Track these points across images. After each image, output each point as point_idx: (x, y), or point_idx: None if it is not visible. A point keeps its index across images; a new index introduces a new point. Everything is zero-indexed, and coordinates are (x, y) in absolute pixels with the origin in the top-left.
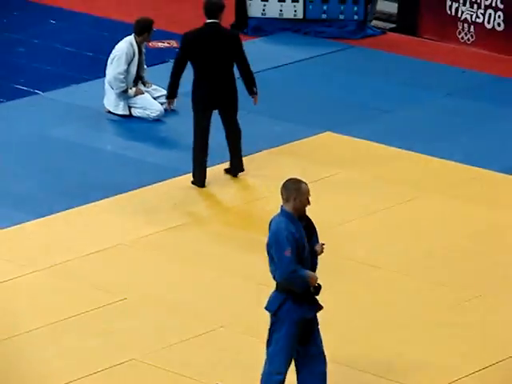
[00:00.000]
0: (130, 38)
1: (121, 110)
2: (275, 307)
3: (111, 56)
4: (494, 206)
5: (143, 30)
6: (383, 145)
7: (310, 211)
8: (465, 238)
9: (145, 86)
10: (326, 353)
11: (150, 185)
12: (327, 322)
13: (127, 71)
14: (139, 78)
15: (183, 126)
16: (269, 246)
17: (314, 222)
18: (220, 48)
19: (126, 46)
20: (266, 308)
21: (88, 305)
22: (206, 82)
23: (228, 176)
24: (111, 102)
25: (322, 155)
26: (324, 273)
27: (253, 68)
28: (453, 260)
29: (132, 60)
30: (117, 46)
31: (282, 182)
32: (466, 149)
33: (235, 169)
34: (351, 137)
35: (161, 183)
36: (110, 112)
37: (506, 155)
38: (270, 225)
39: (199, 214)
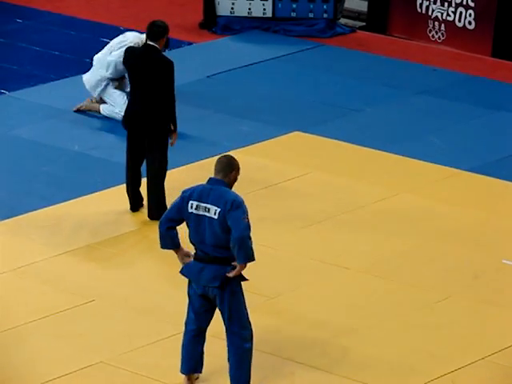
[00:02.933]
0: (143, 37)
1: (96, 93)
2: (221, 280)
3: (117, 40)
4: (464, 205)
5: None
6: (353, 144)
7: (280, 210)
8: (435, 238)
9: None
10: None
11: (117, 185)
12: (296, 324)
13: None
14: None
15: None
16: (225, 213)
17: (286, 223)
18: (150, 72)
19: (136, 40)
20: (212, 285)
21: (55, 307)
22: (132, 101)
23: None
24: (91, 82)
25: (290, 155)
26: (293, 274)
27: (222, 67)
28: (423, 261)
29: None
30: (128, 34)
31: (249, 184)
32: (437, 148)
33: (149, 212)
34: (320, 136)
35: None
36: (79, 110)
37: (478, 154)
38: (210, 194)
39: None
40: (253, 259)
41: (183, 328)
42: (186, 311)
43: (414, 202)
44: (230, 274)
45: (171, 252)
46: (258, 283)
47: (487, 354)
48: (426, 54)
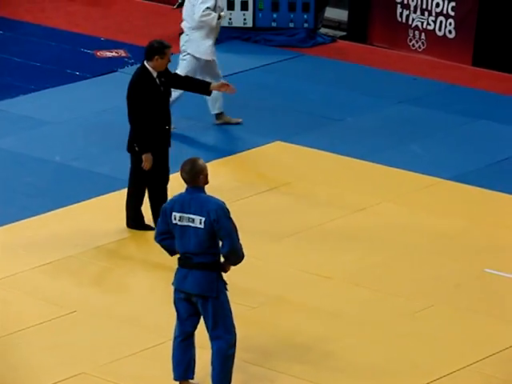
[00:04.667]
0: None
1: (210, 55)
2: (216, 291)
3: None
4: (446, 214)
5: None
6: (334, 154)
7: (261, 220)
8: (416, 247)
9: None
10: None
11: (97, 196)
12: (278, 334)
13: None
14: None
15: None
16: (211, 223)
17: (267, 232)
18: (127, 94)
19: None
20: (202, 293)
21: (37, 318)
22: None
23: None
24: (203, 49)
25: (272, 165)
26: (275, 283)
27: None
28: (405, 270)
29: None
30: None
31: (230, 194)
32: (417, 157)
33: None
34: (302, 146)
35: (108, 195)
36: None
37: (459, 163)
38: (191, 204)
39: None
40: (243, 258)
41: (167, 337)
42: (168, 321)
43: (395, 211)
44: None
45: (152, 261)
46: (240, 293)
47: (470, 363)
48: (407, 63)
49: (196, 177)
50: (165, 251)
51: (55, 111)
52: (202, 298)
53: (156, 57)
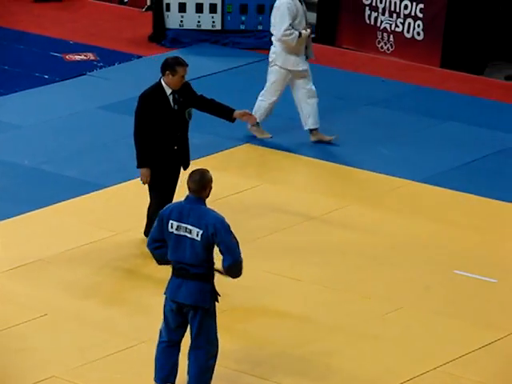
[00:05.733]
0: None
1: (301, 66)
2: (209, 303)
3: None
4: (414, 216)
5: None
6: (304, 156)
7: (232, 224)
8: (385, 249)
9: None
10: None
11: (67, 200)
12: (249, 337)
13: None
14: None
15: (104, 137)
16: (209, 237)
17: (237, 235)
18: None
19: (286, 3)
20: (195, 304)
21: (8, 321)
22: None
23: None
24: (291, 61)
25: (241, 167)
26: (245, 286)
27: None
28: (374, 272)
29: (296, 16)
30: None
31: None
32: (387, 159)
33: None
34: (271, 148)
35: (78, 198)
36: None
37: (427, 165)
38: (190, 215)
39: (119, 228)
40: (241, 275)
41: (138, 340)
42: (139, 324)
43: (363, 214)
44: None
45: (123, 264)
46: None
47: (439, 364)
48: (375, 65)
49: (203, 188)
50: (154, 259)
51: (24, 115)
52: (193, 309)
53: (167, 72)
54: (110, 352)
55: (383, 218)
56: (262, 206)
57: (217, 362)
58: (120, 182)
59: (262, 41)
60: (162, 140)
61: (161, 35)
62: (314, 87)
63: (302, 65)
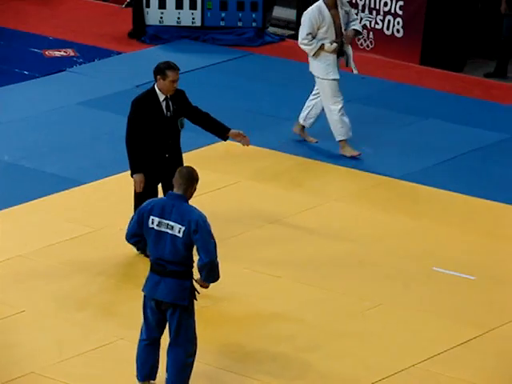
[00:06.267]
0: (319, 3)
1: (331, 75)
2: (188, 300)
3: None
4: (394, 213)
5: None
6: (283, 153)
7: (210, 220)
8: (365, 245)
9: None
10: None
11: (46, 196)
12: (228, 332)
13: (313, 34)
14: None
15: (83, 133)
16: (190, 233)
17: (217, 231)
18: None
19: (310, 10)
20: (173, 301)
21: None
22: None
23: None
24: (322, 70)
25: (221, 164)
26: (224, 282)
27: (151, 77)
28: (353, 269)
29: (321, 25)
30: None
31: None
32: (365, 156)
33: None
34: (251, 145)
35: (58, 194)
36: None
37: (406, 162)
38: (172, 212)
39: (98, 225)
40: (218, 278)
41: (117, 337)
42: (117, 321)
43: (343, 210)
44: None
45: (102, 260)
46: None
47: (418, 361)
48: (355, 62)
49: (190, 184)
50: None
51: (3, 110)
52: (172, 307)
53: (158, 77)
54: (89, 348)
55: (362, 215)
56: (240, 203)
57: (195, 359)
58: (99, 179)
59: (241, 37)
60: (152, 147)
61: (141, 32)
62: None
63: (333, 74)
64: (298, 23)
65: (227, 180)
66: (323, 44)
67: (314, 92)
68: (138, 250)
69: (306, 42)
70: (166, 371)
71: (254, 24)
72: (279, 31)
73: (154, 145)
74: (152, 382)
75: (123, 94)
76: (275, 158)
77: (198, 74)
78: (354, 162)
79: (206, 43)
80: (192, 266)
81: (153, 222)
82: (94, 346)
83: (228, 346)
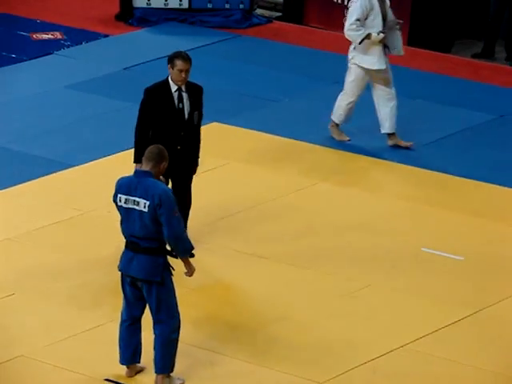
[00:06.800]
0: None
1: (377, 65)
2: (161, 276)
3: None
4: (382, 194)
5: None
6: (271, 135)
7: (199, 202)
8: (353, 227)
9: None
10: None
11: (34, 179)
12: (217, 315)
13: (362, 21)
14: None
15: (71, 116)
16: (155, 207)
17: (206, 213)
18: None
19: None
20: (147, 278)
21: None
22: None
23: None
24: (369, 60)
25: (208, 146)
26: (211, 264)
27: (139, 59)
28: (341, 249)
29: (369, 14)
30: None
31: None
32: (354, 137)
33: None
34: (239, 127)
35: (45, 177)
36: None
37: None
38: (137, 188)
39: (86, 207)
40: (192, 249)
41: (107, 319)
42: (107, 302)
43: (332, 192)
44: (188, 274)
45: (91, 243)
46: (177, 274)
47: (407, 342)
48: (343, 44)
49: (159, 161)
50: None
51: None
52: (146, 283)
53: (169, 65)
54: (78, 331)
55: (350, 196)
56: (229, 185)
57: (184, 340)
58: (87, 162)
59: (229, 19)
60: (164, 138)
61: (128, 14)
62: (394, 89)
63: (378, 64)
64: (285, 5)
65: (215, 162)
66: (370, 33)
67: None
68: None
69: (353, 27)
70: (154, 349)
71: (241, 6)
72: (266, 13)
73: (165, 136)
74: (139, 364)
75: (111, 77)
76: (263, 140)
77: None
78: (341, 144)
79: (193, 25)
80: (164, 242)
81: (120, 200)
82: (84, 328)
83: (215, 327)
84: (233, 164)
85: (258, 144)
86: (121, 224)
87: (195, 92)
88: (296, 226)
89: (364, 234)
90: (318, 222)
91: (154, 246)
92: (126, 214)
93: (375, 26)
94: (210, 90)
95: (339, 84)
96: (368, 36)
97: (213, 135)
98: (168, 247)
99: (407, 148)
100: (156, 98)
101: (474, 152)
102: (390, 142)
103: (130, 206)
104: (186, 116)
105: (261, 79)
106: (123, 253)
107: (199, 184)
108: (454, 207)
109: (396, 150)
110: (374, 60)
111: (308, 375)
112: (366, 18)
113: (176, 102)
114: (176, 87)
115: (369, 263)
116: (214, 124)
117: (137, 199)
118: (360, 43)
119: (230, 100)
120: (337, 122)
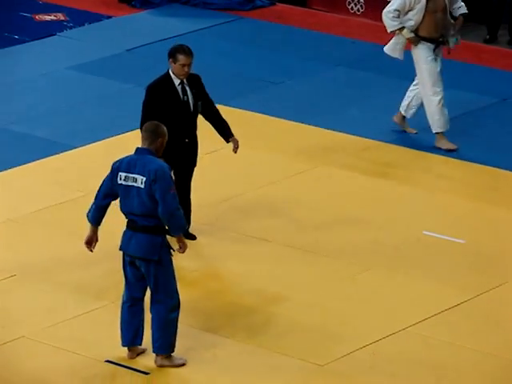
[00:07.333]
0: None
1: (397, 53)
2: (158, 254)
3: None
4: (384, 177)
5: None
6: (273, 117)
7: (200, 185)
8: (355, 209)
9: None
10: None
11: (36, 160)
12: (218, 297)
13: (401, 13)
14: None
15: (74, 98)
16: (151, 183)
17: (206, 195)
18: None
19: None
20: (144, 256)
21: None
22: None
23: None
24: (389, 45)
25: (210, 128)
26: (213, 246)
27: (142, 41)
28: (343, 232)
29: (414, 7)
30: None
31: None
32: (357, 120)
33: None
34: (240, 109)
35: (48, 158)
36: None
37: (396, 126)
38: (136, 165)
39: (88, 189)
40: (186, 228)
41: (108, 300)
42: (108, 284)
43: (333, 175)
44: (180, 251)
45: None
46: (178, 256)
47: (408, 325)
48: (346, 27)
49: (155, 138)
50: (89, 213)
51: None
52: (144, 262)
53: (170, 60)
54: (80, 312)
55: (352, 179)
56: (230, 167)
57: (184, 321)
58: (89, 143)
59: (232, 1)
60: (172, 132)
61: None
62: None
63: (393, 52)
64: None
65: (215, 145)
66: (404, 27)
67: (414, 82)
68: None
69: (390, 16)
70: (151, 328)
71: None
72: None
73: (174, 130)
74: (140, 347)
75: (113, 59)
76: (265, 122)
77: (187, 38)
78: (343, 126)
79: (196, 7)
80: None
81: (121, 178)
82: (86, 309)
83: (215, 309)
84: (229, 148)
85: (260, 126)
86: (120, 202)
87: (195, 82)
88: (297, 209)
89: (365, 217)
90: (319, 205)
91: (152, 224)
92: (126, 192)
93: (414, 20)
94: (212, 72)
95: (342, 66)
96: (401, 29)
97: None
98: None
99: (412, 132)
100: (161, 94)
101: (474, 135)
102: (396, 120)
103: (130, 183)
104: (192, 108)
105: (263, 61)
106: (124, 232)
107: (198, 167)
108: (456, 191)
109: (396, 134)
110: (390, 47)
111: (308, 357)
112: (410, 10)
113: (181, 95)
114: (179, 81)
115: (370, 246)
116: (217, 106)
117: (135, 176)
118: (390, 33)
119: (232, 82)
120: (440, 131)
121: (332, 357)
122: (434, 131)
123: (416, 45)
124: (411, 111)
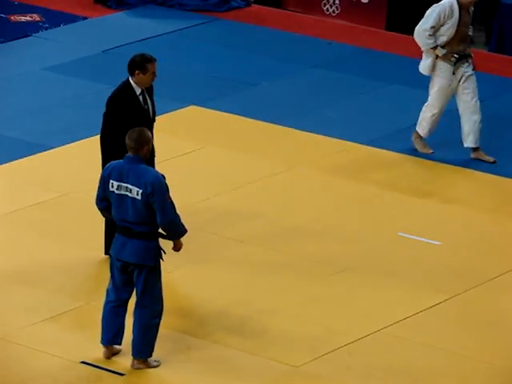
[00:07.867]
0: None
1: (424, 69)
2: (154, 260)
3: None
4: (359, 178)
5: None
6: (249, 118)
7: (176, 186)
8: (330, 211)
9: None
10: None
11: (12, 161)
12: (192, 298)
13: (436, 30)
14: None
15: (49, 98)
16: (148, 195)
17: (183, 197)
18: None
19: (442, 3)
20: (140, 262)
21: None
22: None
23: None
24: (424, 65)
25: (186, 129)
26: (188, 247)
27: (118, 42)
28: (318, 234)
29: (446, 22)
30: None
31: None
32: (333, 121)
33: None
34: (216, 110)
35: (24, 159)
36: None
37: (372, 128)
38: (129, 174)
39: (64, 190)
40: (185, 233)
41: (84, 301)
42: (85, 284)
43: (308, 176)
44: (175, 249)
45: (65, 225)
46: None
47: (384, 326)
48: (321, 28)
49: (141, 146)
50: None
51: None
52: (138, 267)
53: (137, 71)
54: (56, 313)
55: (328, 180)
56: (206, 168)
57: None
58: (65, 144)
59: (207, 3)
60: None
61: None
62: (478, 102)
63: (428, 70)
64: None
65: (191, 146)
66: (437, 46)
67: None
68: (107, 218)
69: (427, 34)
70: (132, 332)
71: None
72: None
73: None
74: (116, 346)
75: (89, 60)
76: (241, 123)
77: (163, 39)
78: (318, 128)
79: (171, 8)
80: (157, 227)
81: (112, 186)
82: (62, 310)
83: (190, 311)
84: (209, 148)
85: (236, 128)
86: (112, 209)
87: (150, 89)
88: (271, 211)
89: (340, 218)
90: (294, 207)
91: (147, 231)
92: (119, 201)
93: (447, 35)
94: (187, 74)
95: (317, 68)
96: (434, 47)
97: (190, 119)
98: (161, 230)
99: (490, 162)
100: (124, 106)
101: (450, 137)
102: (473, 156)
103: (123, 192)
104: (151, 115)
105: (239, 63)
106: (115, 238)
107: (176, 167)
108: (430, 192)
109: (372, 135)
110: (425, 67)
111: (284, 359)
112: (442, 25)
113: (143, 104)
114: (140, 90)
115: (345, 248)
116: (192, 107)
117: (129, 186)
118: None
119: (207, 83)
120: (421, 134)
121: (307, 358)
122: (416, 129)
123: (450, 59)
124: (471, 137)
